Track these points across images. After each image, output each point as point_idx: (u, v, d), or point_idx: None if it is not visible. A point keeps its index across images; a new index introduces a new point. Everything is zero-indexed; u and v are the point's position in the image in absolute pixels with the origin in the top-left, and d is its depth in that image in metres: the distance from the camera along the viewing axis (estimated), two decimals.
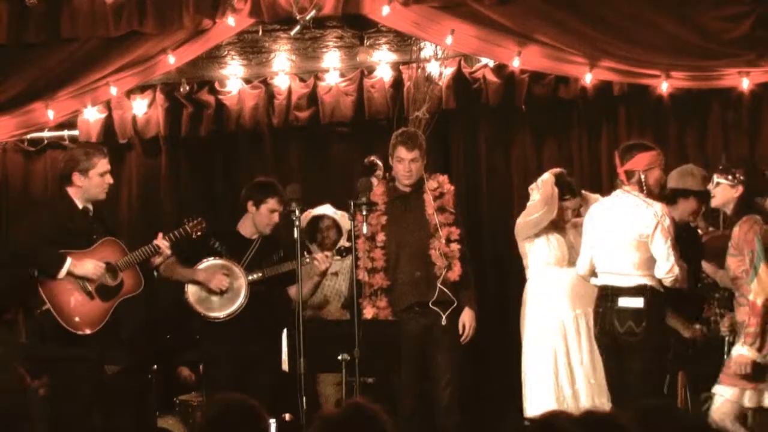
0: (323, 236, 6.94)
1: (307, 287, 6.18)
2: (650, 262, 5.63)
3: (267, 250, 6.31)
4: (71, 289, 5.67)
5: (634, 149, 5.77)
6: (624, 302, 5.61)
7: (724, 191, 5.47)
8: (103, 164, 5.83)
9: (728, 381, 5.33)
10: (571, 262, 6.15)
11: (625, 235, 5.65)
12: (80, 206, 5.82)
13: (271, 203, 6.24)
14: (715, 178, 5.52)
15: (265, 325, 6.15)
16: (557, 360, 6.14)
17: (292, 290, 6.19)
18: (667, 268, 5.55)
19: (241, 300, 6.15)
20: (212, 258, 6.22)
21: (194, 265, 6.20)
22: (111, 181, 5.89)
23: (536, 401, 6.13)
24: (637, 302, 5.60)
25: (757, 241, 5.22)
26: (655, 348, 5.64)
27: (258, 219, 6.28)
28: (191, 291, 6.19)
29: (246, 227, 6.34)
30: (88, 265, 5.68)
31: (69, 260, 5.62)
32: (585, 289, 6.05)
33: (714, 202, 5.57)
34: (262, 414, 3.30)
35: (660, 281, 5.60)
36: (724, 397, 5.33)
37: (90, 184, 5.80)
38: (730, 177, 5.44)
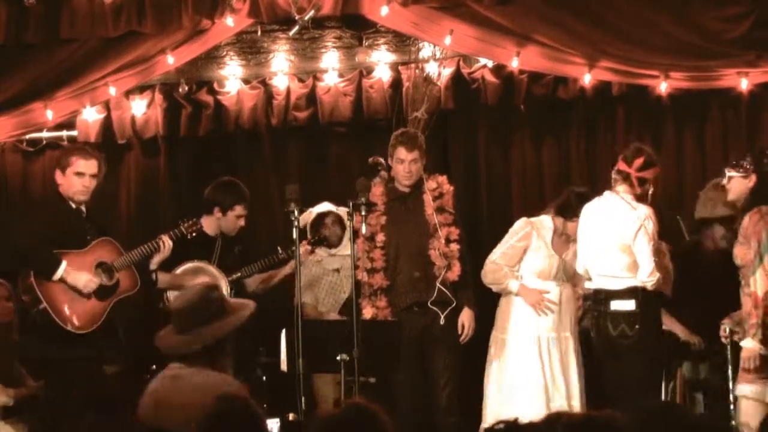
0: (329, 232, 6.94)
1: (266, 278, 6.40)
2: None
3: (229, 245, 6.40)
4: (68, 289, 5.66)
5: (651, 164, 5.69)
6: (616, 305, 5.61)
7: (737, 184, 5.40)
8: (80, 164, 5.74)
9: (745, 378, 5.21)
10: (559, 278, 6.10)
11: (611, 238, 5.65)
12: (73, 206, 5.80)
13: (238, 210, 6.33)
14: (727, 172, 5.45)
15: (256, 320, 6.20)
16: (535, 374, 5.96)
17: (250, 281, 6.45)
18: (648, 272, 5.55)
19: None
20: (188, 262, 6.24)
21: (171, 271, 6.21)
22: (88, 184, 5.78)
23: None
24: (629, 305, 5.59)
25: (765, 232, 5.16)
26: (651, 350, 5.63)
27: (224, 224, 6.36)
28: (173, 299, 6.18)
29: (210, 227, 6.36)
30: (81, 277, 5.66)
31: (63, 265, 5.60)
32: (565, 309, 6.03)
33: (729, 197, 5.49)
34: (260, 412, 3.30)
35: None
36: (746, 398, 5.19)
37: (66, 183, 5.76)
38: (741, 169, 5.38)
